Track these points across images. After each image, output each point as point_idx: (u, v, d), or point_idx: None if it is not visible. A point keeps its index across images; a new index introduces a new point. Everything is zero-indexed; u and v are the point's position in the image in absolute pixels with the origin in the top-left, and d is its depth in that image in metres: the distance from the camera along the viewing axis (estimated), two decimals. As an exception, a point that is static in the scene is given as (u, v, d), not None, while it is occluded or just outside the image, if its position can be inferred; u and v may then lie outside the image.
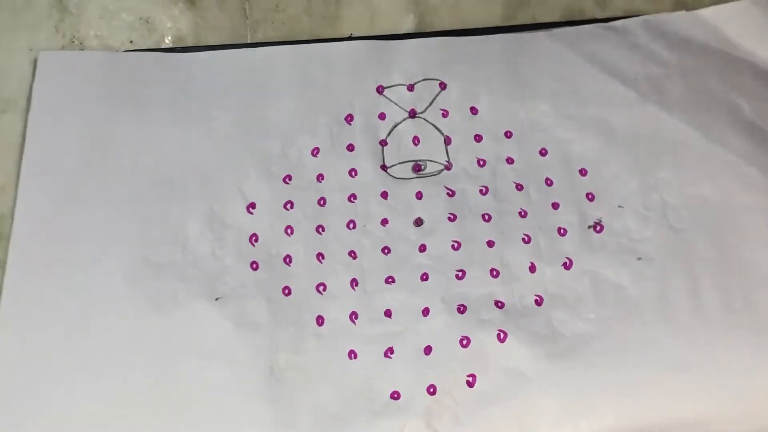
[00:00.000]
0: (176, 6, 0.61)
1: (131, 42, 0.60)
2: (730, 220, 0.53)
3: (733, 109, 0.56)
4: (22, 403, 0.50)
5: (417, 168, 0.55)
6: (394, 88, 0.57)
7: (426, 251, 0.53)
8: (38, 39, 0.59)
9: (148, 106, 0.57)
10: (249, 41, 0.58)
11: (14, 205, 0.54)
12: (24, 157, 0.55)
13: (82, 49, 0.59)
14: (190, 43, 0.60)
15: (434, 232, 0.54)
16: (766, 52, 0.58)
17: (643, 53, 0.58)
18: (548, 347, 0.51)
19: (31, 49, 0.59)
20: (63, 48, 0.59)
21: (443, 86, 0.57)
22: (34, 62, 0.58)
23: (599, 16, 0.60)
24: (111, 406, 0.50)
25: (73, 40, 0.60)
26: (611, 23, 0.59)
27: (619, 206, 0.54)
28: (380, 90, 0.57)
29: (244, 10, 0.60)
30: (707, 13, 0.59)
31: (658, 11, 0.59)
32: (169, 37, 0.60)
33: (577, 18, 0.60)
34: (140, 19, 0.60)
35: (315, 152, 0.56)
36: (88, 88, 0.57)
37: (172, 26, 0.60)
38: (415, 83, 0.57)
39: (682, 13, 0.59)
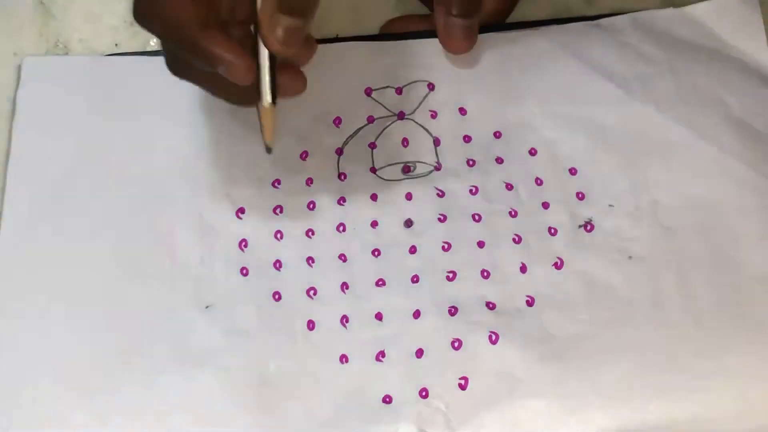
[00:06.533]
0: (161, 9, 0.60)
1: (116, 45, 0.59)
2: (721, 218, 0.53)
3: (723, 106, 0.56)
4: (5, 414, 0.49)
5: (406, 169, 0.55)
6: (383, 90, 0.57)
7: (416, 253, 0.53)
8: (22, 44, 0.59)
9: (135, 112, 0.56)
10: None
11: (0, 213, 0.53)
12: (9, 164, 0.55)
13: (67, 53, 0.59)
14: (175, 45, 0.59)
15: (424, 233, 0.54)
16: (753, 48, 0.58)
17: (631, 51, 0.57)
18: (540, 348, 0.50)
19: (15, 54, 0.58)
20: (47, 52, 0.59)
21: (431, 87, 0.57)
22: (19, 67, 0.57)
23: (587, 13, 0.60)
24: (98, 416, 0.49)
25: (57, 44, 0.59)
26: (599, 21, 0.58)
27: (610, 205, 0.54)
28: (368, 92, 0.57)
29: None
30: (695, 9, 0.59)
31: (644, 8, 0.59)
32: (154, 40, 0.59)
33: (565, 15, 0.60)
34: (125, 22, 0.60)
35: (304, 156, 0.55)
36: (74, 93, 0.56)
37: (157, 29, 0.60)
38: (404, 86, 0.57)
39: (670, 10, 0.59)
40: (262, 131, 0.49)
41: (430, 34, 0.57)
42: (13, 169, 0.55)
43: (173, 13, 0.44)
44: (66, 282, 0.52)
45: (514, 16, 0.59)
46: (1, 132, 0.56)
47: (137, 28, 0.58)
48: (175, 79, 0.56)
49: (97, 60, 0.58)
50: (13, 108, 0.56)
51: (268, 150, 0.50)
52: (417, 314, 0.52)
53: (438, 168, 0.55)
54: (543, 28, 0.58)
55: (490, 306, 0.52)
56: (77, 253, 0.53)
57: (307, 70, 0.49)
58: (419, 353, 0.51)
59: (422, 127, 0.56)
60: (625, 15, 0.59)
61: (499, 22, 0.59)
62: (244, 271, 0.53)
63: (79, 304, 0.52)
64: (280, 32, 0.44)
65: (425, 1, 0.59)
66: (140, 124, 0.56)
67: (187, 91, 0.56)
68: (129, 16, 0.59)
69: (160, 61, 0.57)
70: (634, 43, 0.58)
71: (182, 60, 0.47)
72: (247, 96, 0.47)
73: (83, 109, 0.56)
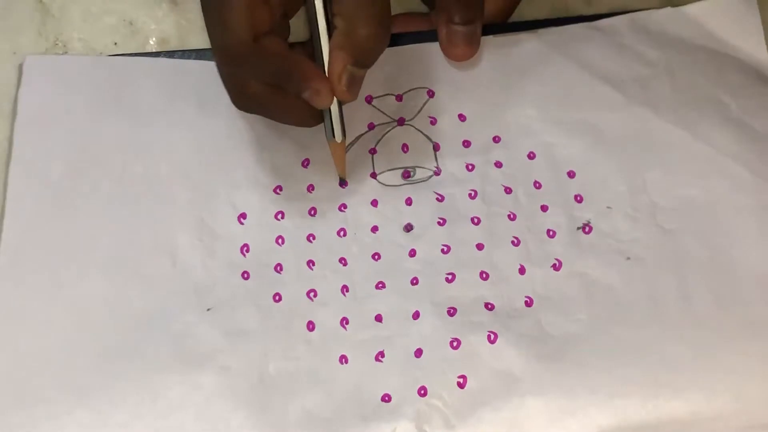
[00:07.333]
0: (159, 8, 0.60)
1: (115, 44, 0.59)
2: (719, 220, 0.53)
3: (720, 106, 0.56)
4: (5, 414, 0.49)
5: (406, 174, 0.55)
6: (383, 97, 0.57)
7: (416, 256, 0.53)
8: (21, 43, 0.58)
9: (137, 113, 0.56)
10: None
11: (2, 213, 0.53)
12: (11, 163, 0.54)
13: (66, 52, 0.58)
14: (174, 44, 0.59)
15: (424, 237, 0.54)
16: (751, 47, 0.58)
17: (629, 53, 0.57)
18: (538, 348, 0.51)
19: (15, 53, 0.58)
20: (46, 51, 0.58)
21: (431, 94, 0.57)
22: (18, 67, 0.57)
23: (586, 13, 0.60)
24: (98, 416, 0.49)
25: (57, 43, 0.59)
26: (597, 23, 0.58)
27: (608, 207, 0.54)
28: (369, 100, 0.57)
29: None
30: (692, 9, 0.59)
31: (643, 8, 0.59)
32: (154, 39, 0.59)
33: (563, 15, 0.60)
34: (124, 21, 0.60)
35: (305, 163, 0.55)
36: (76, 93, 0.56)
37: (156, 28, 0.60)
38: (404, 93, 0.57)
39: (668, 9, 0.59)
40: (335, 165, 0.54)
41: (430, 34, 0.56)
42: (15, 168, 0.54)
43: (267, 44, 0.48)
44: (67, 283, 0.52)
45: (513, 16, 0.59)
46: (1, 132, 0.56)
47: (136, 27, 0.59)
48: (176, 81, 0.57)
49: (99, 60, 0.58)
50: (13, 107, 0.56)
51: (342, 181, 0.54)
52: (416, 315, 0.52)
53: (437, 173, 0.55)
54: (541, 31, 0.58)
55: (489, 307, 0.52)
56: (79, 253, 0.53)
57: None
58: (418, 353, 0.51)
59: (422, 132, 0.56)
60: (622, 16, 0.59)
61: (501, 21, 0.59)
62: (245, 275, 0.53)
63: (80, 305, 0.52)
64: (345, 80, 0.48)
65: (426, 0, 0.59)
66: (142, 125, 0.56)
67: (189, 94, 0.56)
68: (128, 15, 0.60)
69: (162, 62, 0.57)
70: (632, 44, 0.58)
71: (253, 93, 0.50)
72: (311, 117, 0.51)
73: (85, 109, 0.56)
